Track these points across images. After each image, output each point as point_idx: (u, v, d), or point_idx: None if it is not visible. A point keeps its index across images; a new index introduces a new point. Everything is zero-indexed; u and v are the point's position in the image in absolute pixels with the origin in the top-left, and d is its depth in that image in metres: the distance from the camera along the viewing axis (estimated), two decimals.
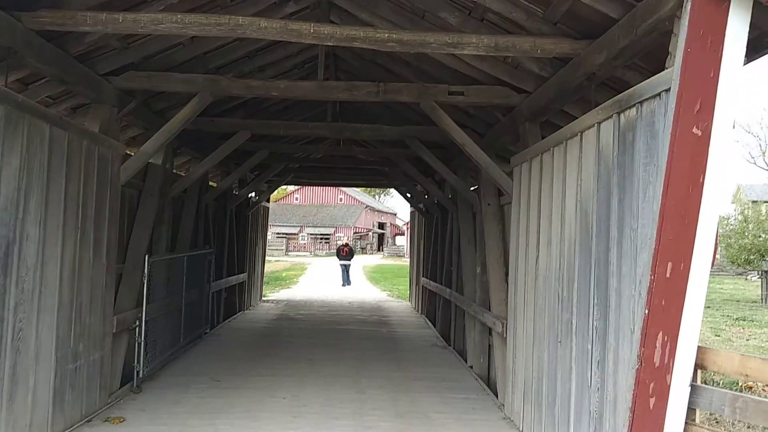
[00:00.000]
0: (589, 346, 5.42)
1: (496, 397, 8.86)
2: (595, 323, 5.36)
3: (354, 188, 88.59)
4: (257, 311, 18.21)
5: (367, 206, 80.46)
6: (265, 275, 25.29)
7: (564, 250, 6.19)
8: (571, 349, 5.86)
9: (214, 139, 12.49)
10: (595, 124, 5.55)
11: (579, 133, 5.95)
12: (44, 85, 7.70)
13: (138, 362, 8.78)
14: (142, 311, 8.87)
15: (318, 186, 23.04)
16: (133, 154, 8.75)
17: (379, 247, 79.86)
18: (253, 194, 19.50)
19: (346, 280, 28.79)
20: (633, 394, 4.55)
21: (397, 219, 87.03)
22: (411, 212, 22.08)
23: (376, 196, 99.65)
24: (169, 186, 10.55)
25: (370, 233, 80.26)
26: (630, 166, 4.89)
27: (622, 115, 5.08)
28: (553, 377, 6.33)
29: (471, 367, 10.88)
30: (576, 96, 6.89)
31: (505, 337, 8.34)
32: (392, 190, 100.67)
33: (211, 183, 14.64)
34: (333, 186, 27.56)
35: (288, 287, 28.75)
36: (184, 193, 12.15)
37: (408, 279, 22.60)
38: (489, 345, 10.59)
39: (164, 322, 10.43)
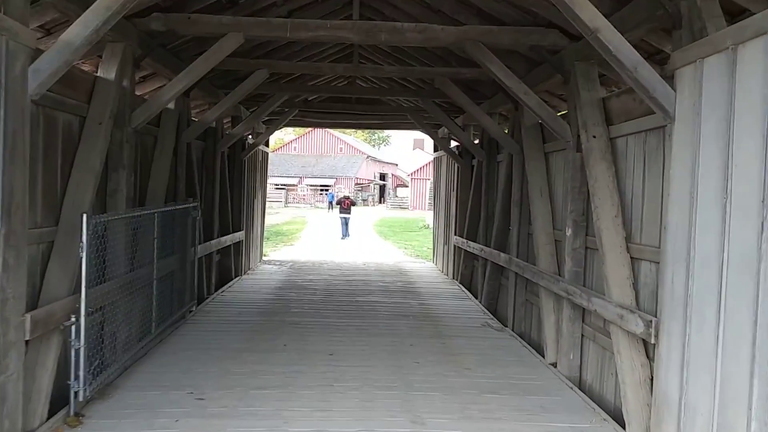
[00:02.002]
0: None
1: (622, 427, 5.86)
2: None
3: (355, 138, 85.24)
4: (257, 276, 15.17)
5: (368, 156, 77.29)
6: (265, 228, 22.29)
7: None
8: None
9: (195, 54, 9.20)
10: None
11: None
12: None
13: (76, 378, 5.73)
14: (80, 299, 5.77)
15: (327, 127, 19.82)
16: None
17: (381, 198, 76.92)
18: (249, 136, 16.24)
19: (345, 233, 28.36)
20: None
21: (398, 170, 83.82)
22: (436, 157, 18.81)
23: (377, 146, 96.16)
24: (130, 113, 7.34)
25: (372, 184, 77.19)
26: None
27: None
28: None
29: (554, 365, 7.89)
30: None
31: (653, 344, 5.28)
32: (392, 139, 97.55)
33: (194, 119, 11.41)
34: (345, 127, 24.26)
35: (290, 244, 25.75)
36: (155, 127, 8.93)
37: (432, 236, 19.53)
38: (581, 335, 7.58)
39: (127, 306, 7.37)
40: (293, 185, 70.17)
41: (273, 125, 16.11)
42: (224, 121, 14.28)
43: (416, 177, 67.92)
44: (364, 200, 69.23)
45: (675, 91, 5.06)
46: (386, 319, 10.36)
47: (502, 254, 10.62)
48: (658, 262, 5.67)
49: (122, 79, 7.09)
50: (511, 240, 10.17)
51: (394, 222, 40.63)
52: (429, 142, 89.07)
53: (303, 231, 32.35)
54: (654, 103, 5.17)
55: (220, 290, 12.58)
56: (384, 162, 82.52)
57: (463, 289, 13.79)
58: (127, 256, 7.40)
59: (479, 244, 12.46)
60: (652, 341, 5.25)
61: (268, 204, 26.30)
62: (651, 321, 5.26)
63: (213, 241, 11.97)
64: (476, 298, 12.61)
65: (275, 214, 45.87)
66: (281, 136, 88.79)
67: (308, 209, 58.72)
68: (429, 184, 54.58)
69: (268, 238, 25.39)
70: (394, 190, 79.65)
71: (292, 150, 77.50)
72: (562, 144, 8.20)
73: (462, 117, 14.19)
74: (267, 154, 18.78)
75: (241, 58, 9.84)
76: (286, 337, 8.85)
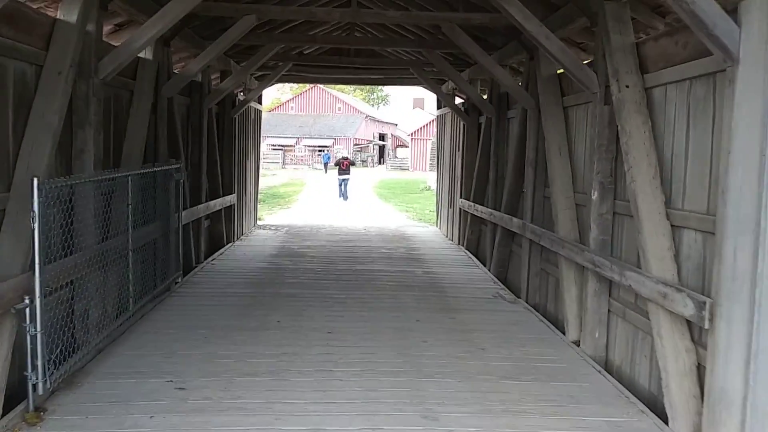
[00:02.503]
0: None
1: (664, 421, 5.11)
2: None
3: (353, 97, 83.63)
4: (251, 242, 14.38)
5: (367, 116, 75.93)
6: (260, 192, 21.43)
7: None
8: None
9: None
10: None
11: None
12: None
13: (33, 369, 4.95)
14: (34, 278, 4.95)
15: (324, 83, 18.99)
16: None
17: (380, 159, 75.81)
18: (241, 93, 15.27)
19: (344, 195, 27.86)
20: None
21: (397, 130, 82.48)
22: (439, 115, 17.82)
23: (375, 105, 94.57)
24: (96, 62, 6.41)
25: (371, 145, 75.94)
26: None
27: None
28: None
29: (576, 343, 7.14)
30: None
31: (707, 329, 4.48)
32: (391, 99, 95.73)
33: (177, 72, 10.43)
34: (344, 83, 23.35)
35: (287, 207, 24.94)
36: (131, 80, 8.02)
37: (435, 199, 18.71)
38: (608, 311, 6.80)
39: (99, 280, 6.59)
40: (291, 146, 68.96)
41: (265, 80, 15.09)
42: (213, 77, 13.34)
43: (416, 137, 66.75)
44: (363, 161, 68.14)
45: (740, 27, 4.17)
46: (390, 290, 9.60)
47: (515, 219, 9.79)
48: (707, 232, 4.89)
49: (86, 23, 6.15)
50: (525, 204, 9.33)
51: (394, 183, 39.77)
52: (429, 101, 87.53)
53: (300, 193, 31.51)
54: (713, 42, 4.27)
55: (210, 258, 11.80)
56: (383, 122, 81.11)
57: (470, 255, 13.02)
58: (98, 224, 6.58)
59: (488, 207, 11.63)
60: (706, 326, 4.45)
61: (264, 165, 25.36)
62: (704, 303, 4.45)
63: (201, 206, 11.13)
64: (484, 265, 11.84)
65: (272, 175, 44.99)
66: (278, 95, 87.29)
67: (306, 170, 57.72)
68: (430, 145, 53.57)
69: (263, 201, 24.59)
70: (394, 150, 78.45)
71: (289, 110, 76.14)
72: (586, 96, 7.31)
73: (468, 71, 13.21)
74: (260, 111, 17.80)
75: (228, 2, 8.87)
76: (280, 312, 8.08)
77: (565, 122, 8.24)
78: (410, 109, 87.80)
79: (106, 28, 8.76)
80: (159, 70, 8.70)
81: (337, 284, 9.92)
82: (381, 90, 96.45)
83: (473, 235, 13.43)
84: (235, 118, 13.98)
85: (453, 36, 9.01)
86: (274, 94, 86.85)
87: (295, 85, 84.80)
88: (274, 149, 66.45)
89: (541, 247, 8.91)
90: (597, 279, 6.73)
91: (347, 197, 27.92)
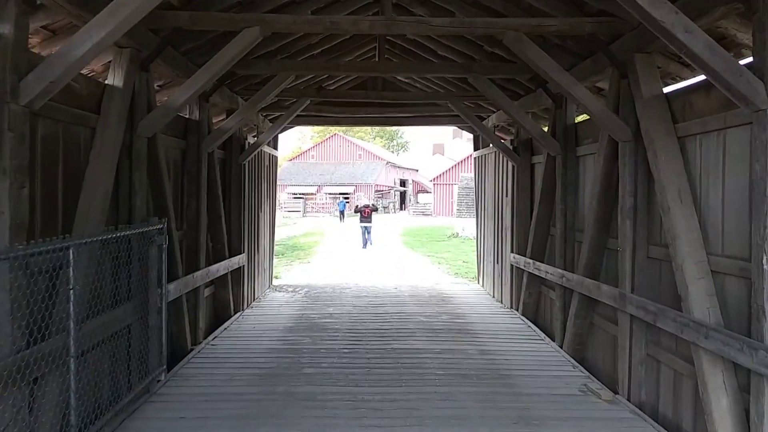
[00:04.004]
0: None
1: None
2: None
3: (374, 144, 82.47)
4: (263, 311, 12.06)
5: (387, 162, 74.62)
6: (280, 242, 19.30)
7: None
8: None
9: None
10: None
11: None
12: None
13: None
14: None
15: (348, 123, 17.07)
16: None
17: (402, 205, 74.09)
18: (254, 138, 13.27)
19: (367, 242, 27.04)
20: None
21: (418, 175, 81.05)
22: (477, 156, 15.54)
23: (396, 152, 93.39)
24: (17, 80, 4.32)
25: (392, 191, 74.34)
26: None
27: None
28: None
29: None
30: None
31: None
32: (411, 146, 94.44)
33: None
34: (370, 123, 21.20)
35: (306, 260, 22.66)
36: (92, 114, 5.93)
37: (476, 251, 16.33)
38: None
39: (22, 405, 4.37)
40: (312, 194, 67.55)
41: (279, 121, 13.05)
42: (219, 119, 11.35)
43: (439, 182, 65.14)
44: (384, 207, 66.23)
45: None
46: (440, 384, 7.23)
47: (604, 287, 7.42)
48: None
49: None
50: (622, 267, 6.97)
51: (419, 231, 37.49)
52: (449, 147, 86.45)
53: (320, 245, 29.28)
54: None
55: (211, 336, 9.50)
56: (404, 168, 79.69)
57: (529, 323, 10.62)
58: (22, 321, 4.40)
59: (556, 267, 9.27)
60: None
61: (285, 214, 23.25)
62: None
63: (198, 273, 8.92)
64: (552, 338, 9.44)
65: (293, 225, 43.07)
66: (298, 144, 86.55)
67: (327, 218, 55.73)
68: (456, 189, 51.78)
69: (282, 254, 22.47)
70: (415, 196, 76.81)
71: (310, 158, 75.18)
72: (723, 120, 5.14)
73: (518, 102, 11.05)
74: (276, 157, 15.74)
75: (224, 12, 6.86)
76: (292, 429, 5.75)
77: (682, 157, 6.00)
78: (430, 155, 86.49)
79: None
80: (134, 101, 6.62)
81: (369, 375, 7.57)
82: (401, 137, 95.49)
83: (530, 298, 11.07)
84: (244, 165, 11.91)
85: (518, 48, 6.84)
86: (295, 143, 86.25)
87: (315, 134, 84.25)
88: (295, 198, 65.07)
89: (647, 325, 6.56)
90: None
91: (372, 243, 27.14)
